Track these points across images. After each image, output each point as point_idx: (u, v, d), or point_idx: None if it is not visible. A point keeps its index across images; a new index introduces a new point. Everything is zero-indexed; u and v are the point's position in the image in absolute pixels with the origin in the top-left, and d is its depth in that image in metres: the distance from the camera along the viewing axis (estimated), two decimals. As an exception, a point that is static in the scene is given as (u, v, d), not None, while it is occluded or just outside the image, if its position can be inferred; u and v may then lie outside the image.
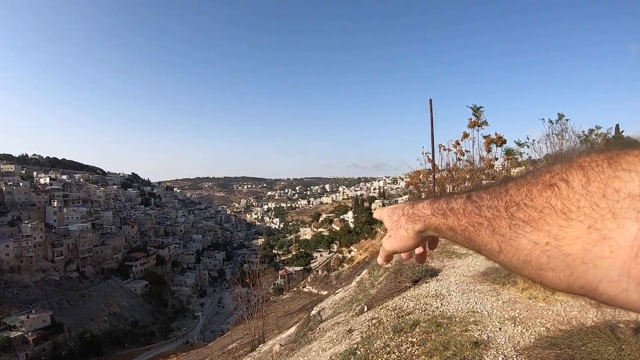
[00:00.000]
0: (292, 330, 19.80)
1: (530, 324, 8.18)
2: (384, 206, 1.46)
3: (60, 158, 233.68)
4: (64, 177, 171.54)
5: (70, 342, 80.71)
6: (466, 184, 42.79)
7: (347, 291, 20.01)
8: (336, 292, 24.41)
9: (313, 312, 18.76)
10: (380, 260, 1.42)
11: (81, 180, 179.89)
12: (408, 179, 57.44)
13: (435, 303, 10.54)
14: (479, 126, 46.41)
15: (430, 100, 25.45)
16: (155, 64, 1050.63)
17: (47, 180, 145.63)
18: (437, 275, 13.57)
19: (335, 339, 10.88)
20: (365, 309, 12.35)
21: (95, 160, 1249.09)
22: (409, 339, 8.23)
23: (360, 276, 21.08)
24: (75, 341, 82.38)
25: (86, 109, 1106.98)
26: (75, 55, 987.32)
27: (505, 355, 7.01)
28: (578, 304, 9.23)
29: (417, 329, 8.64)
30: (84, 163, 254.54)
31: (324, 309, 19.04)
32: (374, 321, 10.47)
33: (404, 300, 11.44)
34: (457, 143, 45.37)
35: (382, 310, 11.24)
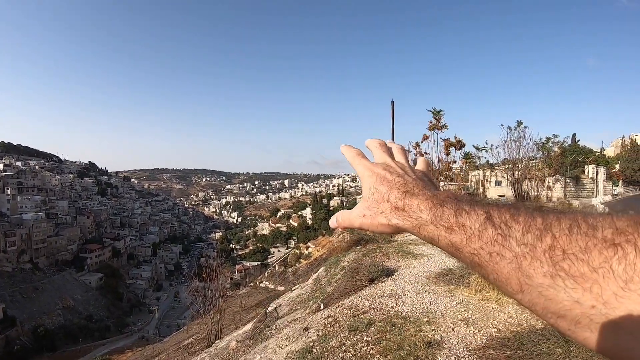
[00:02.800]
0: (249, 326, 19.67)
1: (483, 325, 8.36)
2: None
3: (15, 144, 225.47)
4: (19, 163, 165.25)
5: (23, 337, 78.02)
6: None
7: (304, 288, 20.04)
8: (293, 288, 24.40)
9: (270, 309, 18.65)
10: (336, 223, 1.14)
11: (36, 167, 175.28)
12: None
13: (390, 303, 10.66)
14: (438, 129, 47.46)
15: (392, 102, 25.70)
16: (113, 49, 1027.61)
17: (1, 166, 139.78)
18: (393, 275, 13.74)
19: (292, 336, 10.86)
20: (322, 306, 12.39)
21: (52, 147, 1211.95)
22: (364, 338, 8.30)
23: (317, 273, 21.14)
24: (28, 336, 79.47)
25: (43, 93, 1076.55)
26: (30, 35, 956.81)
27: (457, 355, 7.14)
28: (529, 306, 9.49)
29: (373, 328, 8.72)
30: (40, 150, 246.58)
31: (280, 305, 19.02)
32: (330, 319, 10.51)
33: (360, 299, 11.52)
34: (417, 145, 46.33)
35: (339, 308, 11.30)
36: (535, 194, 56.37)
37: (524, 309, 8.85)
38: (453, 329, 8.31)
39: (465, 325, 8.43)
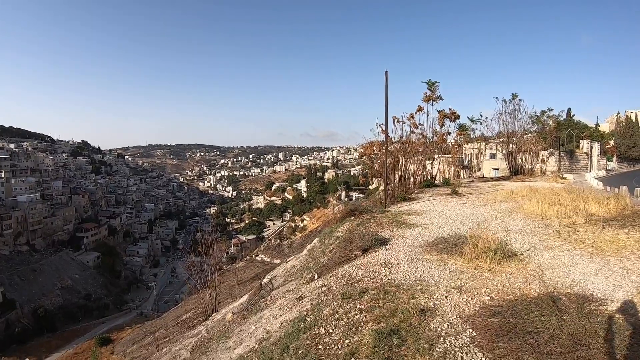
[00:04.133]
0: (245, 298, 19.83)
1: (476, 293, 8.35)
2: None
3: (7, 126, 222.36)
4: (12, 145, 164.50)
5: (23, 319, 78.19)
6: (419, 157, 43.50)
7: (299, 259, 20.11)
8: (288, 260, 24.50)
9: (265, 281, 18.79)
10: None
11: (29, 148, 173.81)
12: (361, 150, 58.00)
13: (383, 271, 10.65)
14: (433, 100, 47.06)
15: (386, 72, 25.53)
16: (103, 26, 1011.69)
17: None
18: (387, 245, 13.72)
19: (286, 306, 10.90)
20: (316, 276, 12.40)
21: (44, 127, 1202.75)
22: (357, 306, 8.27)
23: (312, 244, 21.18)
24: (28, 318, 79.83)
25: (33, 72, 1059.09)
26: (19, 15, 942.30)
27: (450, 323, 7.13)
28: (522, 276, 9.49)
29: (366, 297, 8.69)
30: (32, 131, 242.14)
31: (275, 277, 19.09)
32: (323, 288, 10.51)
33: (354, 268, 11.51)
34: (412, 116, 45.91)
35: (332, 278, 11.30)
36: (530, 167, 56.50)
37: (516, 278, 8.89)
38: (446, 297, 8.30)
39: (459, 293, 8.42)
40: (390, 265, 11.08)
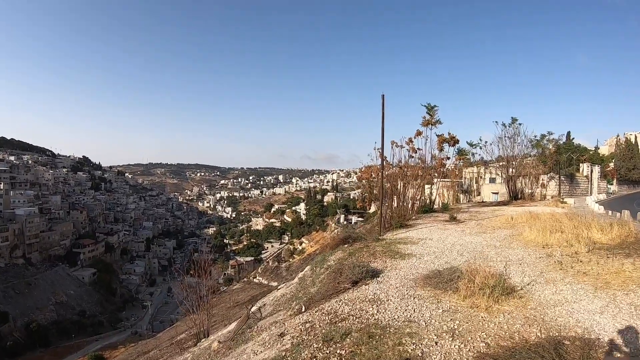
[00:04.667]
0: (233, 326, 19.20)
1: (470, 338, 7.52)
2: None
3: (8, 138, 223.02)
4: (12, 158, 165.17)
5: (15, 333, 77.28)
6: (418, 181, 42.88)
7: (289, 287, 19.42)
8: (279, 287, 23.79)
9: (253, 309, 18.15)
10: None
11: (30, 162, 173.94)
12: (359, 175, 57.57)
13: (371, 309, 9.82)
14: (432, 125, 46.53)
15: (383, 96, 25.11)
16: (107, 45, 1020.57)
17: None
18: (378, 277, 12.91)
19: (268, 342, 10.15)
20: (303, 309, 11.66)
21: (46, 141, 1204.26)
22: (338, 351, 7.48)
23: (303, 272, 20.46)
24: (20, 331, 78.72)
25: (38, 87, 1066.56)
26: (24, 30, 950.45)
27: (439, 377, 6.35)
28: (522, 316, 8.63)
29: (348, 340, 7.88)
30: (34, 144, 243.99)
31: (265, 305, 18.45)
32: (307, 325, 9.74)
33: (341, 303, 10.71)
34: (410, 140, 45.36)
35: (317, 313, 10.47)
36: (530, 191, 55.82)
37: (515, 319, 8.05)
38: (436, 342, 7.49)
39: (451, 339, 7.60)
40: (379, 302, 10.26)
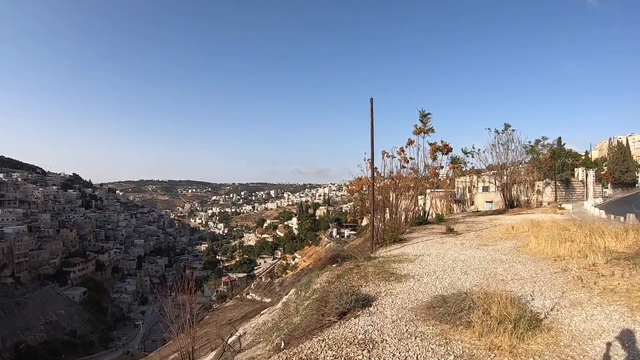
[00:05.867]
0: (211, 356, 17.78)
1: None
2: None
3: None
4: (1, 175, 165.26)
5: (4, 354, 75.79)
6: (410, 192, 41.17)
7: (272, 314, 17.73)
8: (261, 312, 22.05)
9: (232, 338, 16.57)
10: None
11: (19, 179, 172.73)
12: (350, 187, 55.94)
13: (360, 357, 7.60)
14: (425, 133, 44.70)
15: (371, 99, 23.30)
16: (94, 59, 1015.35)
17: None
18: (370, 306, 10.81)
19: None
20: (282, 345, 9.82)
21: (36, 158, 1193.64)
22: None
23: (288, 296, 18.73)
24: (10, 352, 77.53)
25: (27, 104, 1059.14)
26: (10, 46, 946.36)
27: None
28: (557, 358, 6.85)
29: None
30: (24, 162, 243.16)
31: (246, 333, 16.85)
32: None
33: (323, 344, 8.53)
34: (402, 150, 43.46)
35: (295, 358, 8.30)
36: (525, 198, 54.42)
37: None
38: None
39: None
40: (370, 345, 7.99)
